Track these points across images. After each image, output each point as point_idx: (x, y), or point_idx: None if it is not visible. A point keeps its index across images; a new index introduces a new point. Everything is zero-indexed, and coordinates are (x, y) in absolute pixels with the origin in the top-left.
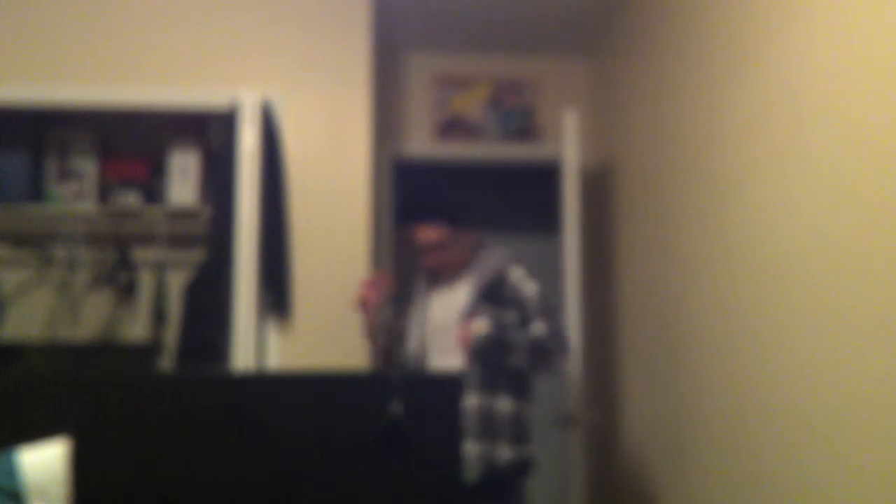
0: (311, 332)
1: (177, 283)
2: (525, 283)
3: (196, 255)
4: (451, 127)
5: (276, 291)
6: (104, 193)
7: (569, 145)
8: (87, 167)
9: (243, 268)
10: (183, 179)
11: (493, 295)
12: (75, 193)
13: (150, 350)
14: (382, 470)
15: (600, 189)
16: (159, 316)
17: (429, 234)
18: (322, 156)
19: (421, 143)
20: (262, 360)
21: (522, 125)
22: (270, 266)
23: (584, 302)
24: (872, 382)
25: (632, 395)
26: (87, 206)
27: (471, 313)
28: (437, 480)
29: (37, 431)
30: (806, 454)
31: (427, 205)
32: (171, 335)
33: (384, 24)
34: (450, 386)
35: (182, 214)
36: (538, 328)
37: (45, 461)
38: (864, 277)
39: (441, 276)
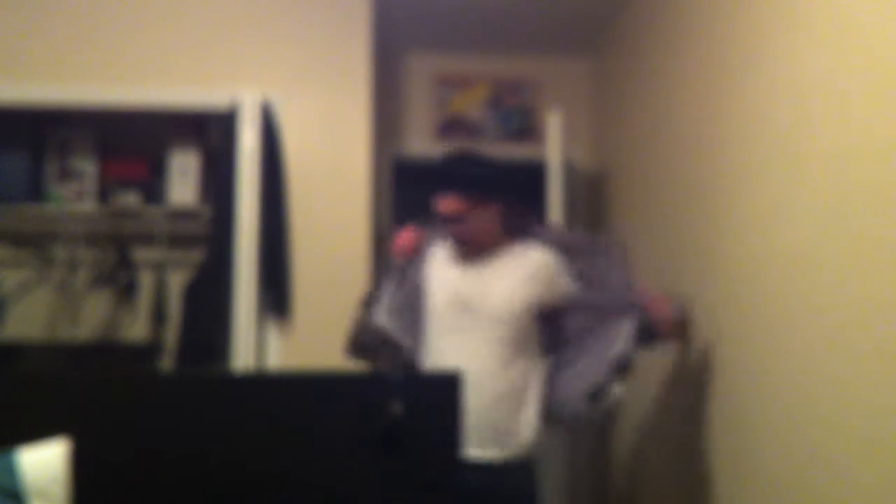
0: (311, 332)
1: (177, 283)
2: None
3: (196, 255)
4: (451, 127)
5: (276, 291)
6: (104, 193)
7: (553, 145)
8: (87, 167)
9: (243, 268)
10: (183, 179)
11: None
12: (75, 193)
13: (150, 350)
14: (382, 470)
15: (600, 189)
16: (159, 316)
17: (447, 205)
18: (322, 156)
19: (421, 143)
20: (262, 360)
21: (522, 125)
22: (270, 266)
23: None
24: (873, 382)
25: (630, 394)
26: (87, 206)
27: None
28: (437, 480)
29: (37, 431)
30: (806, 454)
31: (454, 175)
32: (171, 335)
33: (384, 24)
34: (449, 386)
35: (182, 214)
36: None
37: (45, 461)
38: (865, 277)
39: (472, 250)
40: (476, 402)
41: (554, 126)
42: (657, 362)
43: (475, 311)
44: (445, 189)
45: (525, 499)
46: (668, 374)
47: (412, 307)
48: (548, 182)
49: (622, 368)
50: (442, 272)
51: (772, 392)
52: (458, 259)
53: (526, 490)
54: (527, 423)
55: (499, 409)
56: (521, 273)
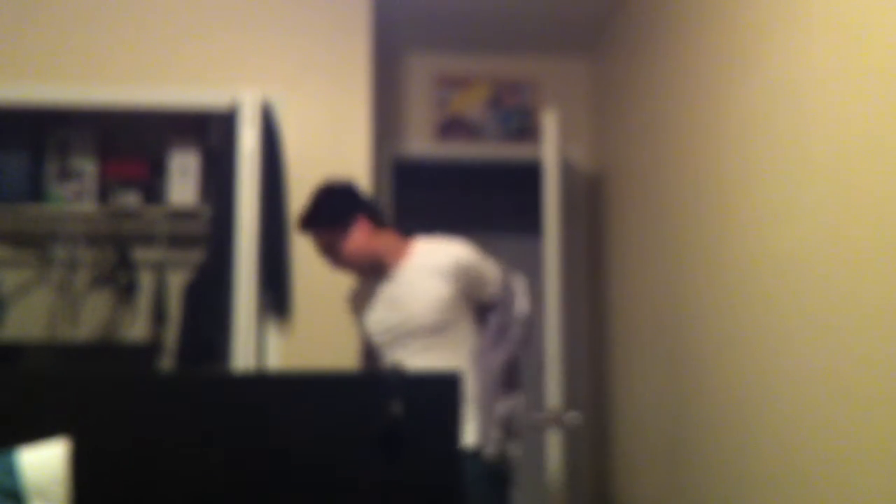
0: (311, 332)
1: (177, 283)
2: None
3: (196, 255)
4: (451, 127)
5: (276, 291)
6: (104, 193)
7: (549, 145)
8: (87, 167)
9: (243, 268)
10: (183, 179)
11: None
12: (75, 193)
13: (150, 350)
14: (382, 470)
15: (599, 189)
16: (159, 316)
17: (313, 241)
18: (322, 156)
19: (421, 143)
20: (262, 360)
21: (522, 125)
22: (270, 266)
23: (566, 304)
24: (873, 382)
25: (629, 395)
26: (87, 206)
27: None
28: (436, 480)
29: (37, 431)
30: (805, 454)
31: (303, 219)
32: (171, 335)
33: (384, 24)
34: (449, 386)
35: (182, 214)
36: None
37: (45, 461)
38: (866, 277)
39: (372, 272)
40: None
41: (550, 125)
42: (655, 363)
43: (403, 334)
44: (307, 229)
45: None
46: (666, 375)
47: None
48: (544, 182)
49: (509, 430)
50: (363, 310)
51: (772, 392)
52: (368, 290)
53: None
54: (472, 419)
55: None
56: (429, 276)
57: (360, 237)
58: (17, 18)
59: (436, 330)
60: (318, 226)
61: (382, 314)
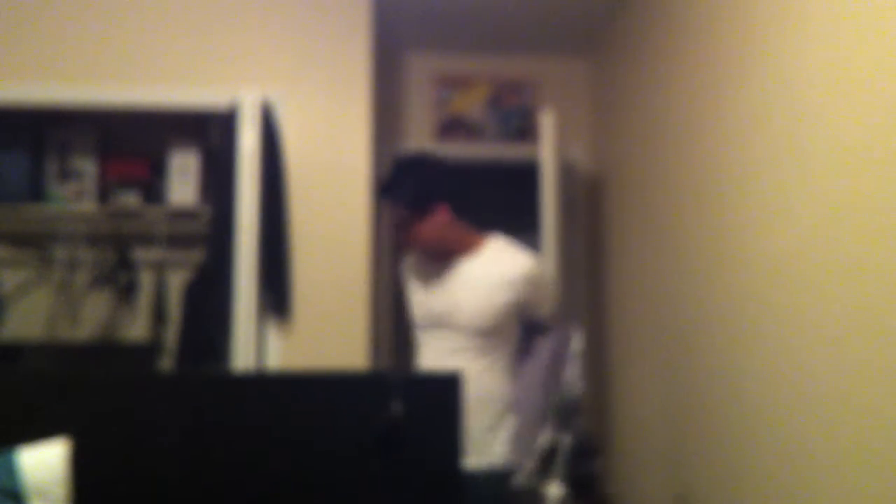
0: (311, 332)
1: (177, 283)
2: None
3: (196, 255)
4: (451, 127)
5: (276, 292)
6: (104, 193)
7: (547, 145)
8: (87, 167)
9: (243, 268)
10: (183, 179)
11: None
12: (75, 193)
13: (150, 350)
14: (382, 470)
15: (599, 190)
16: (159, 316)
17: (391, 215)
18: (322, 156)
19: (421, 143)
20: (262, 360)
21: (522, 125)
22: (270, 266)
23: (565, 304)
24: (872, 382)
25: (628, 396)
26: (87, 206)
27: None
28: (437, 480)
29: (37, 431)
30: (805, 454)
31: (392, 186)
32: (171, 335)
33: (384, 24)
34: (449, 386)
35: (182, 214)
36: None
37: (45, 461)
38: (864, 278)
39: (437, 258)
40: None
41: (547, 125)
42: (655, 362)
43: (446, 325)
44: (388, 199)
45: None
46: (665, 375)
47: None
48: (541, 182)
49: (546, 466)
50: (415, 284)
51: (771, 392)
52: (427, 269)
53: (496, 502)
54: (505, 435)
55: (474, 416)
56: (493, 281)
57: (437, 226)
58: (16, 18)
59: (481, 333)
60: (400, 202)
61: (432, 298)
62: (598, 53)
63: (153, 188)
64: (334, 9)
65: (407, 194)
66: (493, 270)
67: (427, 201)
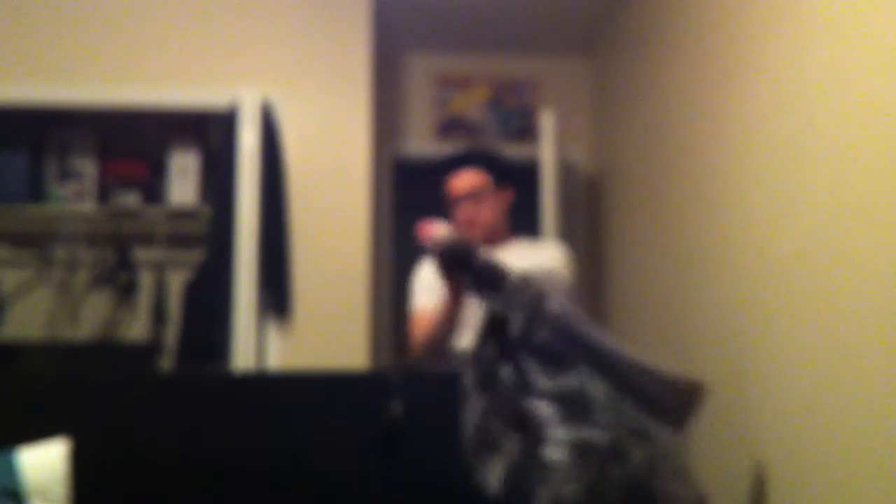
0: (311, 332)
1: (177, 283)
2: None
3: (196, 255)
4: (451, 127)
5: (276, 291)
6: (104, 193)
7: (547, 145)
8: (87, 167)
9: (243, 268)
10: (183, 179)
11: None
12: (75, 193)
13: (150, 350)
14: (382, 470)
15: (600, 189)
16: (159, 316)
17: (466, 179)
18: (322, 156)
19: (421, 143)
20: (262, 360)
21: (522, 125)
22: (270, 266)
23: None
24: (871, 382)
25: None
26: (87, 206)
27: None
28: (437, 480)
29: (37, 431)
30: (805, 453)
31: (471, 159)
32: (171, 335)
33: (384, 24)
34: (449, 385)
35: (182, 214)
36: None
37: (45, 461)
38: (864, 278)
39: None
40: None
41: (547, 125)
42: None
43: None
44: (471, 164)
45: None
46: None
47: None
48: (541, 182)
49: None
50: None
51: (771, 392)
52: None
53: None
54: None
55: None
56: (543, 265)
57: (501, 208)
58: (16, 18)
59: None
60: (492, 168)
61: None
62: (598, 53)
63: (153, 188)
64: (334, 9)
65: (500, 164)
66: (536, 259)
67: (506, 176)
